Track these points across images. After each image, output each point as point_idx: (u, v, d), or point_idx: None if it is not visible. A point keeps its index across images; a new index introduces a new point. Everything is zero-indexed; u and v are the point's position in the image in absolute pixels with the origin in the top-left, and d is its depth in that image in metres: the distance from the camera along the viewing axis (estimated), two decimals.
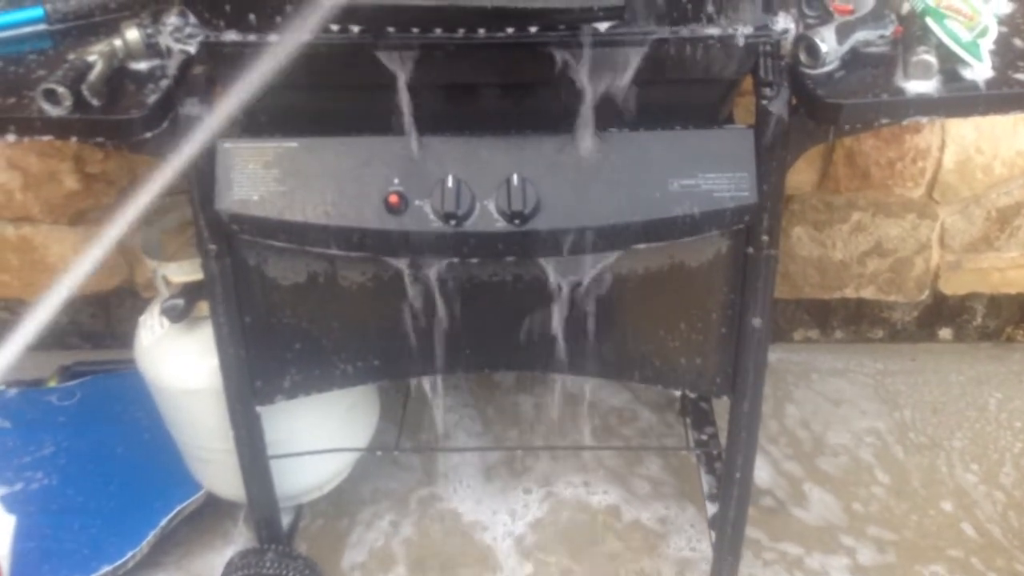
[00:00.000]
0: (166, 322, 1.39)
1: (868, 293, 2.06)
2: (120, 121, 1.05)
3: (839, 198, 1.93)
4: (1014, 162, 1.87)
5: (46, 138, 1.07)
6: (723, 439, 1.48)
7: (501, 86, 1.11)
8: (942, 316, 2.11)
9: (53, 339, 2.11)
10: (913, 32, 1.11)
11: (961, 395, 1.98)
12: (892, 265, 2.01)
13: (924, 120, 1.11)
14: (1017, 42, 1.14)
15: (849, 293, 2.06)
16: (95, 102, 1.05)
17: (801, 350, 2.10)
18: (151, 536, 1.54)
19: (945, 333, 2.13)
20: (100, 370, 1.92)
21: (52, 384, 1.90)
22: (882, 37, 1.14)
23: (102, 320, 2.11)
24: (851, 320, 2.11)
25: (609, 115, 1.09)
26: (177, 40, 1.08)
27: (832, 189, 1.92)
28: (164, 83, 1.09)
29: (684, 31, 1.04)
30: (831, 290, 2.05)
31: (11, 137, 1.05)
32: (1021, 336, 2.13)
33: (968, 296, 2.08)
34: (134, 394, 1.76)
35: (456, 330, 1.26)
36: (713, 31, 1.04)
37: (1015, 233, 1.98)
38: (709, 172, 1.11)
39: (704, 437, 1.74)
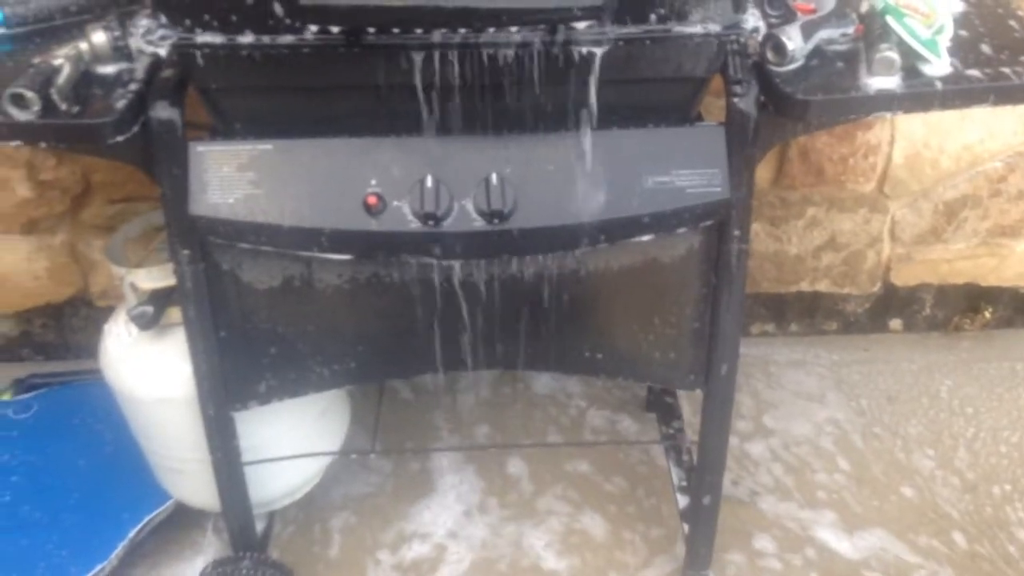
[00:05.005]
0: (134, 330, 1.36)
1: (823, 286, 2.11)
2: (91, 125, 1.04)
3: (794, 194, 1.97)
4: (960, 156, 1.94)
5: (13, 144, 1.05)
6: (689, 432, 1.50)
7: (478, 86, 1.11)
8: (893, 307, 2.17)
9: (3, 351, 2.05)
10: (874, 30, 1.14)
11: (914, 383, 2.04)
12: (845, 258, 2.06)
13: (888, 115, 1.15)
14: (972, 40, 1.18)
15: (804, 287, 2.10)
16: (64, 106, 1.03)
17: (760, 343, 2.14)
18: (120, 548, 1.51)
19: (896, 324, 2.19)
20: (56, 382, 1.87)
21: (6, 397, 1.85)
22: (844, 35, 1.17)
23: (54, 331, 2.05)
24: (806, 313, 2.16)
25: (585, 114, 1.10)
26: (149, 43, 1.07)
27: (787, 185, 1.96)
28: (133, 86, 1.08)
29: (658, 30, 1.06)
30: (787, 284, 2.10)
31: None
32: (968, 325, 2.19)
33: (918, 287, 2.14)
34: (93, 406, 1.73)
35: (432, 330, 1.26)
36: (687, 30, 1.06)
37: (961, 225, 2.04)
38: (682, 169, 1.13)
39: (671, 431, 1.77)
